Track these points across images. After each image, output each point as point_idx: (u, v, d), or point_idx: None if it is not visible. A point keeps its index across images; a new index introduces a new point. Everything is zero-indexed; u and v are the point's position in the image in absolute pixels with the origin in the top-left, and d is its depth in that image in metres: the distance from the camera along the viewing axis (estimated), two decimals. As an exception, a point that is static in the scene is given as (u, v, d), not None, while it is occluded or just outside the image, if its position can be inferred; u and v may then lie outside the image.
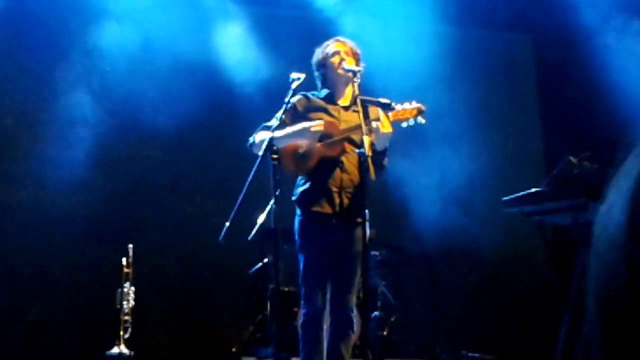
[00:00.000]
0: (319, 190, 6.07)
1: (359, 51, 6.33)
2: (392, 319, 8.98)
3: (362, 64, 6.22)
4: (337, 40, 6.37)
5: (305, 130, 6.05)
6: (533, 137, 11.22)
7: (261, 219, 7.42)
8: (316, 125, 6.06)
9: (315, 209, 6.05)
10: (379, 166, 5.96)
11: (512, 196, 6.20)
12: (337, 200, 6.03)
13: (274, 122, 6.12)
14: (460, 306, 10.21)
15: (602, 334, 1.07)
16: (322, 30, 7.97)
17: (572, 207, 5.94)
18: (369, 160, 5.47)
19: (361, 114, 5.72)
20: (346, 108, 6.27)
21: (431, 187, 10.07)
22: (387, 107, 6.01)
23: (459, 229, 10.17)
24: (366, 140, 5.54)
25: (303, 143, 6.10)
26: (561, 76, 10.58)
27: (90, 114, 9.35)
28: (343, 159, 6.08)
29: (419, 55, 10.18)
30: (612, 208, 1.09)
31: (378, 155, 5.95)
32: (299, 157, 6.10)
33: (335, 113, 6.23)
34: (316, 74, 6.39)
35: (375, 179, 5.51)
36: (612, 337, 1.06)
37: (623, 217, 1.05)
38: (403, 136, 6.19)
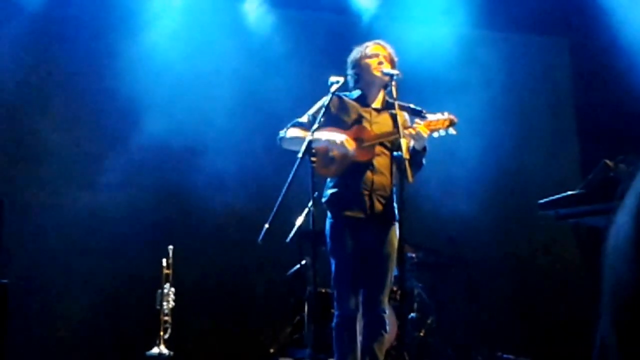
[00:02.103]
0: (350, 192, 6.08)
1: (396, 58, 6.31)
2: (429, 321, 9.00)
3: (398, 70, 6.20)
4: (377, 44, 6.34)
5: (337, 143, 6.05)
6: (569, 140, 11.21)
7: (299, 220, 7.48)
8: (348, 144, 6.05)
9: (347, 212, 6.07)
10: (418, 165, 6.03)
11: (548, 199, 6.20)
12: (368, 203, 6.04)
13: (305, 118, 6.19)
14: (496, 308, 10.20)
15: (618, 343, 1.11)
16: (355, 36, 7.97)
17: (608, 209, 5.94)
18: (407, 163, 5.51)
19: (399, 117, 5.78)
20: (378, 110, 6.30)
21: (467, 190, 10.08)
22: (418, 115, 6.07)
23: (495, 232, 10.19)
24: (404, 143, 5.59)
25: (334, 146, 6.14)
26: (597, 79, 10.55)
27: (134, 117, 9.43)
28: (374, 160, 6.10)
29: (454, 59, 10.22)
30: (621, 225, 1.13)
31: (419, 153, 6.01)
32: (328, 160, 6.12)
33: (367, 115, 6.24)
34: (350, 72, 6.37)
35: (412, 180, 5.54)
36: (627, 345, 1.10)
37: (632, 233, 1.10)
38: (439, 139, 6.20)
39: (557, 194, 6.09)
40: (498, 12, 10.34)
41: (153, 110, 9.48)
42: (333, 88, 5.96)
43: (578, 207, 6.15)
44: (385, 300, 6.11)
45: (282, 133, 6.23)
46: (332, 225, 6.16)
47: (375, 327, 6.04)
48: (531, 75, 11.05)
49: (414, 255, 8.95)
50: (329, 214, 6.20)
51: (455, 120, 6.01)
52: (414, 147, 5.97)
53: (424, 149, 6.06)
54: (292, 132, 6.17)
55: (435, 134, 5.99)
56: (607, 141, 9.22)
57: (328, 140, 6.04)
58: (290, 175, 5.56)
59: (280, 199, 5.55)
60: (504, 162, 10.36)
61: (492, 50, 10.73)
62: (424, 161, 6.12)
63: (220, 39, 9.84)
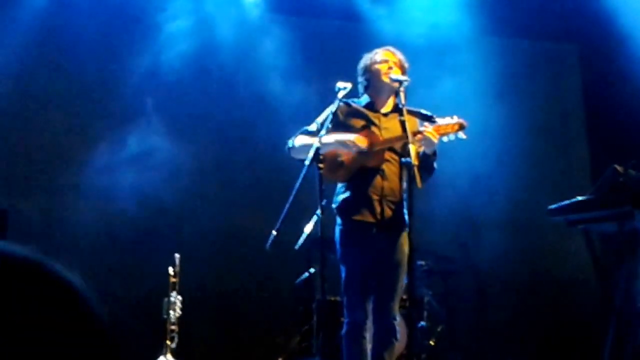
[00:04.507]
0: (360, 198, 6.06)
1: (406, 64, 6.30)
2: (439, 329, 8.96)
3: (407, 76, 6.18)
4: (387, 50, 6.34)
5: (347, 143, 6.05)
6: (579, 146, 11.18)
7: (308, 228, 7.44)
8: (359, 141, 6.06)
9: (357, 217, 6.05)
10: (430, 169, 6.03)
11: (558, 205, 6.19)
12: (378, 209, 6.03)
13: (314, 126, 6.15)
14: (506, 316, 10.17)
15: None
16: (365, 42, 7.94)
17: (618, 215, 5.92)
18: (415, 169, 5.48)
19: (407, 123, 5.74)
20: (386, 114, 6.27)
21: (476, 196, 10.05)
22: (429, 119, 6.04)
23: (505, 238, 10.14)
24: (412, 149, 5.56)
25: (343, 151, 6.12)
26: (607, 85, 10.53)
27: (139, 125, 9.42)
28: (384, 166, 6.08)
29: (464, 65, 10.20)
30: None
31: (430, 157, 6.01)
32: (337, 165, 6.10)
33: (375, 120, 6.23)
34: (360, 79, 6.38)
35: (422, 186, 5.51)
36: None
37: None
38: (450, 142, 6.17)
39: (567, 199, 6.05)
40: (507, 19, 10.32)
41: (159, 118, 9.46)
42: (340, 94, 5.94)
43: (587, 212, 6.13)
44: (396, 307, 6.09)
45: (290, 142, 6.21)
46: (342, 232, 6.14)
47: (385, 335, 6.01)
48: (541, 81, 11.03)
49: (423, 262, 8.91)
50: (338, 220, 6.18)
51: (465, 124, 5.98)
52: (424, 152, 5.95)
53: (434, 153, 6.04)
54: (301, 140, 6.14)
55: (445, 138, 5.97)
56: (616, 147, 9.19)
57: (338, 142, 6.03)
58: (298, 182, 5.53)
59: (287, 206, 5.52)
60: (514, 168, 10.33)
61: (502, 57, 10.70)
62: (435, 165, 6.11)
63: (227, 43, 9.81)
